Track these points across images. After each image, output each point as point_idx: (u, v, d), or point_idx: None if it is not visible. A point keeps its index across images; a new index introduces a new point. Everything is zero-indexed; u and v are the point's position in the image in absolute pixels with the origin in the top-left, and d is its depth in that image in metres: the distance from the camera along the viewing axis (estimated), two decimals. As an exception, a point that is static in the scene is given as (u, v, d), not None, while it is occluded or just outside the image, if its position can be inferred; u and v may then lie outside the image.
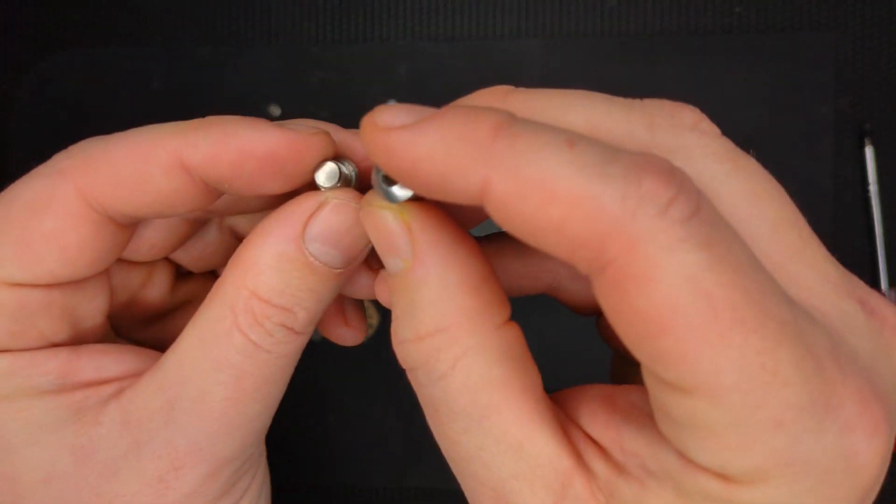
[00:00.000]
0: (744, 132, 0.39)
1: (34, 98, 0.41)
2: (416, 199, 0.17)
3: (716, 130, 0.18)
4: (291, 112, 0.40)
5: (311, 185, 0.19)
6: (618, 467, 0.16)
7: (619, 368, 0.23)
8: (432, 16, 0.40)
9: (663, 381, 0.14)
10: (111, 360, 0.21)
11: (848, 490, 0.15)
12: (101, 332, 0.22)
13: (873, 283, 0.38)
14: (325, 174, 0.19)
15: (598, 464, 0.17)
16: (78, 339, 0.21)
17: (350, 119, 0.42)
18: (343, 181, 0.19)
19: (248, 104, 0.40)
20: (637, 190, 0.14)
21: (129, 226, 0.21)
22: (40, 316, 0.20)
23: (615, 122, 0.17)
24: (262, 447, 0.23)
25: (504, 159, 0.14)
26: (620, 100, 0.18)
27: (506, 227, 0.15)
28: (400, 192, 0.17)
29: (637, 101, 0.17)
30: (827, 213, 0.38)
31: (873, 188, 0.38)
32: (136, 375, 0.20)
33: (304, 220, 0.19)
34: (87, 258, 0.20)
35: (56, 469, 0.19)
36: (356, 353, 0.40)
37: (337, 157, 0.20)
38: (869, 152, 0.38)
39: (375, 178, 0.17)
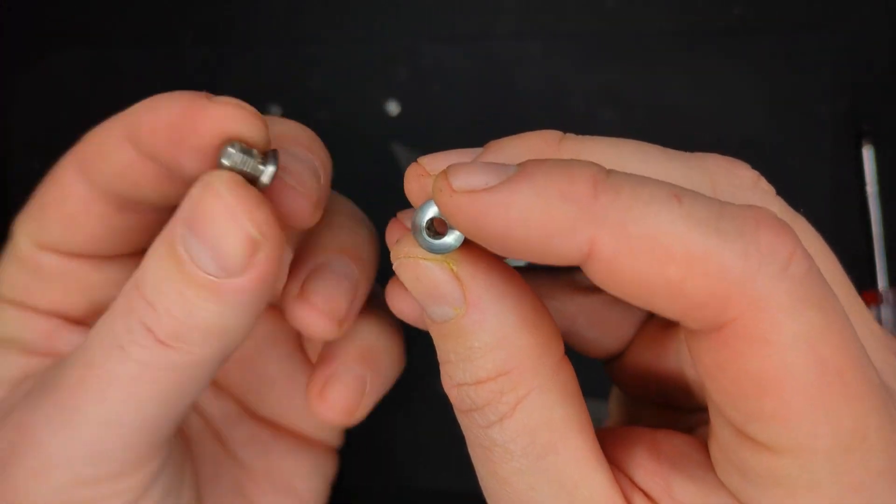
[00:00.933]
0: (742, 132, 0.39)
1: (34, 97, 0.41)
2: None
3: (772, 190, 0.18)
4: (292, 112, 0.40)
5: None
6: None
7: (631, 409, 0.22)
8: (432, 16, 0.40)
9: (751, 438, 0.14)
10: (72, 338, 0.21)
11: None
12: None
13: (871, 282, 0.38)
14: (226, 154, 0.17)
15: None
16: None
17: (350, 119, 0.42)
18: (242, 164, 0.17)
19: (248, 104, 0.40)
20: (757, 247, 0.13)
21: (130, 211, 0.20)
22: (55, 281, 0.20)
23: (675, 178, 0.17)
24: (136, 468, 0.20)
25: (610, 217, 0.13)
26: (675, 153, 0.17)
27: (611, 288, 0.14)
28: (449, 243, 0.16)
29: (693, 155, 0.17)
30: (825, 213, 0.38)
31: (871, 188, 0.38)
32: None
33: (182, 208, 0.17)
34: (87, 231, 0.20)
35: None
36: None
37: (262, 149, 0.18)
38: (867, 152, 0.38)
39: (417, 227, 0.16)
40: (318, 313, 0.20)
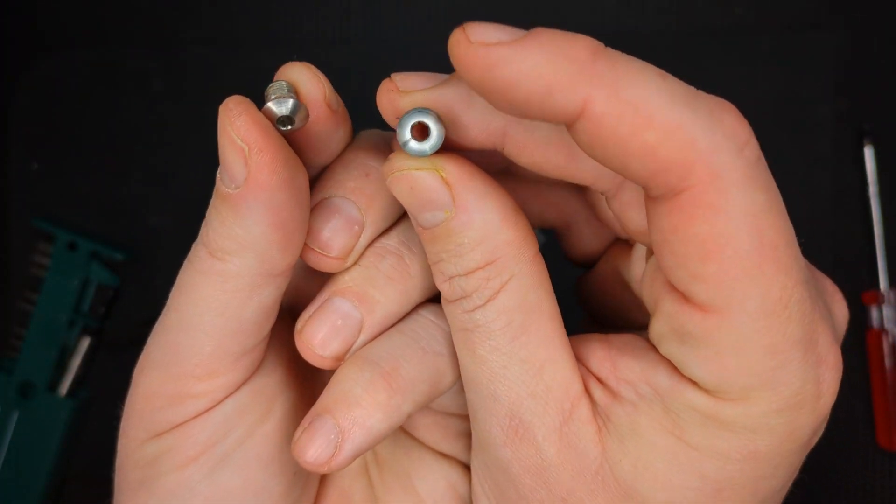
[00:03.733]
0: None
1: (34, 98, 0.41)
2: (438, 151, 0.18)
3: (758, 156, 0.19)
4: (291, 112, 0.40)
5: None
6: (613, 394, 0.19)
7: (591, 331, 0.24)
8: (432, 16, 0.40)
9: (689, 301, 0.17)
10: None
11: (808, 417, 0.17)
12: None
13: (872, 283, 0.38)
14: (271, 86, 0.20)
15: (597, 391, 0.19)
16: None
17: (350, 119, 0.42)
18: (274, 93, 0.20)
19: (248, 104, 0.40)
20: (721, 126, 0.16)
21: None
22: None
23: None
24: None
25: (605, 79, 0.15)
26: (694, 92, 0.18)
27: (594, 147, 0.16)
28: (434, 142, 0.18)
29: (705, 98, 0.17)
30: (826, 213, 0.38)
31: (873, 188, 0.38)
32: None
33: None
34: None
35: None
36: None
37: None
38: (868, 152, 0.38)
39: (403, 138, 0.18)
40: (310, 250, 0.21)
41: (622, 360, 0.19)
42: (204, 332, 0.20)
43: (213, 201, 0.20)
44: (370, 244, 0.21)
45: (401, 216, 0.22)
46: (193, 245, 0.20)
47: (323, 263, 0.21)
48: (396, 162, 0.19)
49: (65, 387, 0.39)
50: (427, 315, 0.22)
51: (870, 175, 0.38)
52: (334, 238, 0.20)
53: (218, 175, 0.19)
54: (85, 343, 0.39)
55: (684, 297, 0.17)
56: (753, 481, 0.18)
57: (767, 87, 0.39)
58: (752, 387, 0.17)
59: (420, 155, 0.18)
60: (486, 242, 0.18)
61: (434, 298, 0.22)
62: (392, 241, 0.21)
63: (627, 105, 0.15)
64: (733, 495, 0.18)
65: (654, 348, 0.19)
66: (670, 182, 0.16)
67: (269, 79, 0.45)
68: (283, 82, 0.20)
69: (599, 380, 0.19)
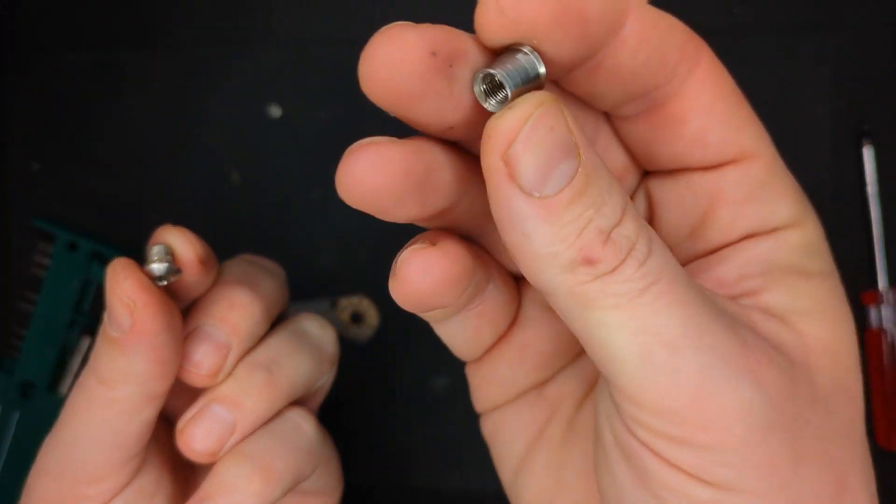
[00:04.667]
0: (743, 132, 0.39)
1: (34, 98, 0.41)
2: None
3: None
4: (292, 112, 0.40)
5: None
6: (746, 294, 0.19)
7: None
8: (432, 16, 0.40)
9: (742, 154, 0.20)
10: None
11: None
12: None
13: (871, 282, 0.38)
14: (153, 249, 0.24)
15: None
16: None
17: (350, 119, 0.42)
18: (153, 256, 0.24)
19: (248, 104, 0.40)
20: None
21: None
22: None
23: None
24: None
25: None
26: None
27: (637, 46, 0.17)
28: (537, 67, 0.16)
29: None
30: (825, 213, 0.38)
31: (872, 189, 0.38)
32: None
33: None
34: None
35: None
36: (357, 353, 0.40)
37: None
38: (867, 153, 0.38)
39: (512, 89, 0.15)
40: (186, 370, 0.25)
41: (715, 272, 0.19)
42: (93, 446, 0.24)
43: (101, 339, 0.24)
44: (241, 359, 0.26)
45: (267, 334, 0.26)
46: (84, 371, 0.24)
47: (197, 380, 0.25)
48: (520, 109, 0.15)
49: (65, 387, 0.39)
50: (293, 416, 0.26)
51: (868, 175, 0.38)
52: (205, 360, 0.25)
53: (105, 319, 0.23)
54: (85, 343, 0.39)
55: (737, 161, 0.20)
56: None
57: (766, 87, 0.39)
58: (804, 200, 0.21)
59: (541, 78, 0.15)
60: (614, 181, 0.16)
61: (295, 403, 0.27)
62: (261, 356, 0.26)
63: (648, 6, 0.18)
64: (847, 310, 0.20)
65: (722, 252, 0.20)
66: (690, 55, 0.19)
67: (268, 79, 0.45)
68: (161, 246, 0.24)
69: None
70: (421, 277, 0.18)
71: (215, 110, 0.41)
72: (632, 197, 0.21)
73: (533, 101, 0.15)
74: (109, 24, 0.41)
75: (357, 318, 0.40)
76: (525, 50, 0.16)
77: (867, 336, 0.38)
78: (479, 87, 0.16)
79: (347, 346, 0.40)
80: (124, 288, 0.22)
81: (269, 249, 0.41)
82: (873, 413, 0.38)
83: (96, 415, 0.24)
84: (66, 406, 0.25)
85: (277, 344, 0.26)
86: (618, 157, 0.21)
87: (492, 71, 0.16)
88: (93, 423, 0.24)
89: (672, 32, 0.18)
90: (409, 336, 0.40)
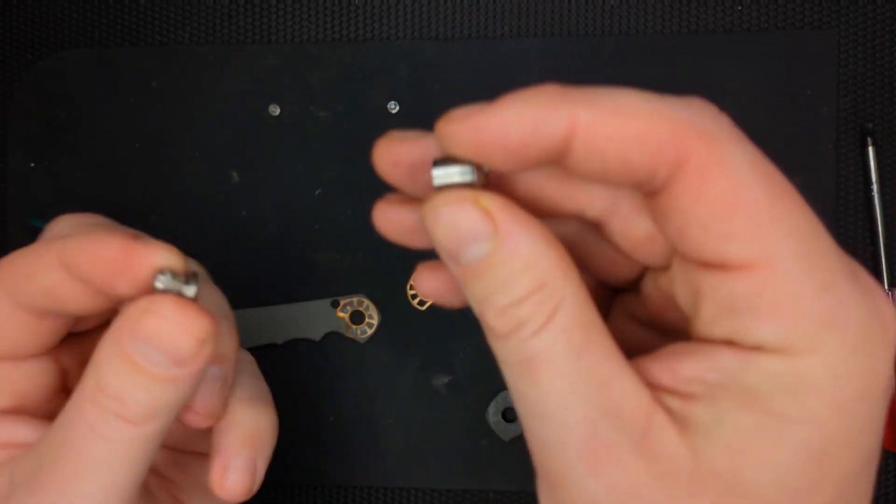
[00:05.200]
0: (744, 132, 0.38)
1: (34, 98, 0.41)
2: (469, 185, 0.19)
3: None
4: (291, 112, 0.40)
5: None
6: (684, 396, 0.18)
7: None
8: (432, 16, 0.40)
9: (728, 265, 0.17)
10: (14, 429, 0.25)
11: (883, 350, 0.17)
12: (53, 405, 0.26)
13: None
14: (160, 280, 0.22)
15: (666, 399, 0.19)
16: (22, 410, 0.25)
17: (350, 119, 0.42)
18: (172, 286, 0.22)
19: (248, 104, 0.40)
20: (693, 105, 0.18)
21: (49, 319, 0.24)
22: None
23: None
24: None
25: (582, 99, 0.17)
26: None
27: (587, 161, 0.18)
28: (467, 173, 0.19)
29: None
30: (829, 213, 0.38)
31: (875, 188, 0.38)
32: (21, 446, 0.24)
33: (125, 326, 0.21)
34: (8, 338, 0.24)
35: None
36: (356, 353, 0.40)
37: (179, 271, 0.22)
38: (871, 152, 0.38)
39: (441, 176, 0.19)
40: (193, 414, 0.25)
41: (679, 363, 0.19)
42: (114, 493, 0.23)
43: (134, 383, 0.22)
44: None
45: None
46: (91, 416, 0.22)
47: (205, 424, 0.26)
48: (435, 199, 0.19)
49: (64, 387, 0.39)
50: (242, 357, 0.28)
51: (872, 175, 0.38)
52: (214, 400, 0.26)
53: (139, 359, 0.22)
54: (84, 343, 0.39)
55: (723, 268, 0.17)
56: (851, 437, 0.18)
57: (769, 86, 0.38)
58: (818, 331, 0.17)
59: (464, 182, 0.19)
60: (534, 267, 0.18)
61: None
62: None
63: (609, 109, 0.17)
64: (837, 458, 0.18)
65: (705, 343, 0.19)
66: (669, 159, 0.17)
67: (268, 79, 0.45)
68: (168, 272, 0.22)
69: (664, 389, 0.19)
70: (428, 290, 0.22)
71: (215, 110, 0.40)
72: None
73: (441, 199, 0.19)
74: (109, 24, 0.41)
75: (357, 318, 0.39)
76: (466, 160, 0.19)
77: (870, 337, 0.38)
78: (431, 174, 0.19)
79: (347, 346, 0.40)
80: (202, 324, 0.21)
81: (270, 249, 0.40)
82: (877, 414, 0.38)
83: (117, 460, 0.22)
84: (54, 454, 0.22)
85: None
86: (640, 226, 0.21)
87: (433, 171, 0.19)
88: (112, 470, 0.22)
89: (640, 141, 0.17)
90: (409, 336, 0.39)
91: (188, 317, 0.21)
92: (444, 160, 0.19)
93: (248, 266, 0.40)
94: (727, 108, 0.42)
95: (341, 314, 0.39)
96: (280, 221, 0.40)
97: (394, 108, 0.40)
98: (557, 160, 0.18)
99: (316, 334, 0.39)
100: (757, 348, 0.17)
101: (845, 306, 0.17)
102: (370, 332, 0.39)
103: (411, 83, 0.40)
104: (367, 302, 0.39)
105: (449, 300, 0.22)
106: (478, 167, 0.19)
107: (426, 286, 0.22)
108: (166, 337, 0.21)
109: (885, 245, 0.38)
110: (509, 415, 0.38)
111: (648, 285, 0.22)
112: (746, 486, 0.17)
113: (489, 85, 0.39)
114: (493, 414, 0.38)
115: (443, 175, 0.19)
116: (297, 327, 0.39)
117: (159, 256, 0.22)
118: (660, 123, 0.17)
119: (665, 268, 0.21)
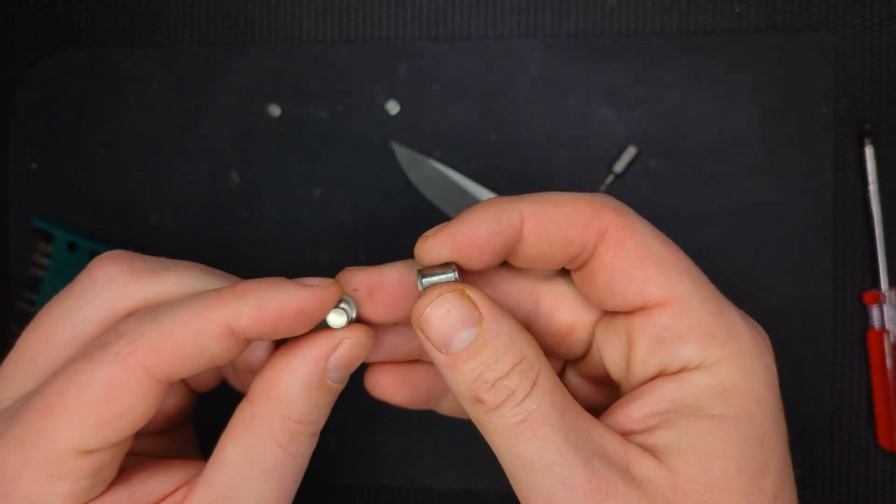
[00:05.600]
0: (743, 132, 0.39)
1: (34, 98, 0.41)
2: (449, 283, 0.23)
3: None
4: (291, 112, 0.40)
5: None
6: (644, 431, 0.23)
7: None
8: (432, 16, 0.40)
9: (648, 304, 0.23)
10: (159, 481, 0.24)
11: (768, 352, 0.23)
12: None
13: (873, 282, 0.38)
14: (335, 316, 0.24)
15: (632, 439, 0.23)
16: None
17: (350, 119, 0.42)
18: (349, 320, 0.24)
19: (248, 104, 0.40)
20: (603, 196, 0.24)
21: (168, 387, 0.24)
22: (109, 467, 0.23)
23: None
24: None
25: (525, 198, 0.23)
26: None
27: (539, 240, 0.23)
28: (450, 272, 0.23)
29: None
30: (827, 213, 0.38)
31: (873, 188, 0.38)
32: (181, 488, 0.24)
33: (325, 357, 0.24)
34: (150, 418, 0.23)
35: None
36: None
37: (341, 300, 0.25)
38: (869, 152, 0.38)
39: (429, 280, 0.23)
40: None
41: (630, 409, 0.23)
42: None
43: (316, 397, 0.24)
44: None
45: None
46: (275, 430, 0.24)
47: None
48: (430, 293, 0.23)
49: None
50: None
51: (870, 175, 0.38)
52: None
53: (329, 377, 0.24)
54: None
55: (645, 309, 0.23)
56: (775, 424, 0.22)
57: (767, 87, 0.39)
58: (723, 345, 0.22)
59: (440, 279, 0.23)
60: (514, 343, 0.22)
61: None
62: None
63: (545, 200, 0.23)
64: (771, 443, 0.22)
65: (643, 385, 0.23)
66: (594, 229, 0.23)
67: (268, 79, 0.44)
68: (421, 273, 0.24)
69: (627, 433, 0.23)
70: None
71: (215, 110, 0.40)
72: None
73: (434, 293, 0.22)
74: (109, 24, 0.41)
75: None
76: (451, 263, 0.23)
77: (868, 336, 0.38)
78: (419, 282, 0.23)
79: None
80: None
81: (270, 249, 0.40)
82: (874, 413, 0.38)
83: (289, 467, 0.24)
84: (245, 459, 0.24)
85: None
86: (562, 318, 0.26)
87: (422, 279, 0.23)
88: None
89: (571, 219, 0.23)
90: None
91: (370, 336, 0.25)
92: (426, 271, 0.23)
93: (248, 266, 0.40)
94: (727, 109, 0.42)
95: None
96: (280, 221, 0.40)
97: (394, 108, 0.40)
98: (513, 247, 0.23)
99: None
100: (683, 369, 0.23)
101: (736, 324, 0.23)
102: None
103: (411, 83, 0.40)
104: (367, 301, 0.39)
105: (400, 397, 0.27)
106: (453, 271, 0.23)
107: (380, 385, 0.27)
108: (357, 358, 0.25)
109: (883, 244, 0.38)
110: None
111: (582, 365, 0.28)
112: (717, 480, 0.21)
113: (489, 85, 0.39)
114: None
115: (431, 279, 0.23)
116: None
117: (337, 295, 0.24)
118: (584, 205, 0.23)
119: (583, 357, 0.27)
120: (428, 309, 0.22)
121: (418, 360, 0.28)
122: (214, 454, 0.24)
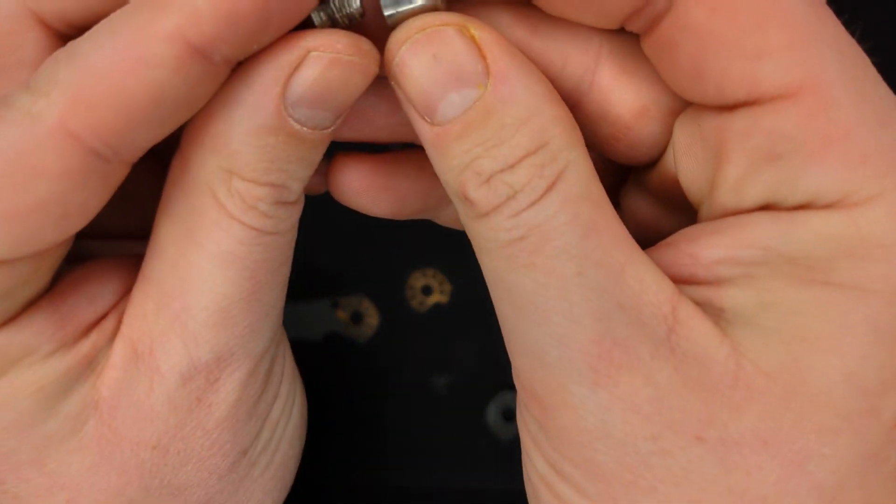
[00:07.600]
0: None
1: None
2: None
3: None
4: (291, 112, 0.40)
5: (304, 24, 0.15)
6: (712, 282, 0.14)
7: None
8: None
9: (761, 95, 0.13)
10: (98, 288, 0.17)
11: None
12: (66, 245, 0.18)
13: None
14: (317, 14, 0.15)
15: (690, 291, 0.14)
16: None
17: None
18: (331, 19, 0.15)
19: (247, 104, 0.40)
20: None
21: (120, 165, 0.18)
22: (28, 283, 0.16)
23: None
24: (281, 325, 0.20)
25: None
26: None
27: None
28: None
29: None
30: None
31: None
32: (125, 294, 0.18)
33: (278, 82, 0.15)
34: (90, 212, 0.16)
35: (87, 430, 0.17)
36: (356, 353, 0.40)
37: None
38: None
39: (398, 10, 0.14)
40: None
41: (699, 246, 0.15)
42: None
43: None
44: None
45: None
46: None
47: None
48: (410, 25, 0.14)
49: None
50: None
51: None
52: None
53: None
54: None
55: (755, 103, 0.13)
56: None
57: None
58: (882, 174, 0.13)
59: (433, 7, 0.14)
60: (534, 121, 0.14)
61: None
62: None
63: None
64: None
65: (732, 216, 0.14)
66: None
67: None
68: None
69: (685, 279, 0.15)
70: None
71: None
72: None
73: (416, 25, 0.14)
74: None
75: (357, 317, 0.39)
76: None
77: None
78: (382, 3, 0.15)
79: (347, 346, 0.40)
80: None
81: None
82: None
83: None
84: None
85: None
86: (627, 97, 0.17)
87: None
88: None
89: None
90: (409, 336, 0.40)
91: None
92: None
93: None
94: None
95: (341, 314, 0.39)
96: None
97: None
98: None
99: (316, 335, 0.40)
100: (805, 206, 0.13)
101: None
102: (370, 332, 0.39)
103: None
104: (366, 302, 0.39)
105: (371, 201, 0.18)
106: None
107: (347, 180, 0.19)
108: (339, 87, 0.16)
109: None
110: (509, 415, 0.39)
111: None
112: (810, 387, 0.13)
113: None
114: (492, 414, 0.38)
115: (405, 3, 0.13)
116: (296, 328, 0.39)
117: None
118: None
119: (653, 164, 0.17)
120: (403, 49, 0.14)
121: (411, 142, 0.19)
122: (150, 239, 0.17)
